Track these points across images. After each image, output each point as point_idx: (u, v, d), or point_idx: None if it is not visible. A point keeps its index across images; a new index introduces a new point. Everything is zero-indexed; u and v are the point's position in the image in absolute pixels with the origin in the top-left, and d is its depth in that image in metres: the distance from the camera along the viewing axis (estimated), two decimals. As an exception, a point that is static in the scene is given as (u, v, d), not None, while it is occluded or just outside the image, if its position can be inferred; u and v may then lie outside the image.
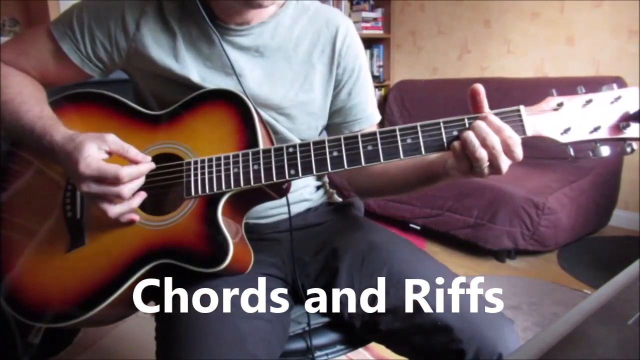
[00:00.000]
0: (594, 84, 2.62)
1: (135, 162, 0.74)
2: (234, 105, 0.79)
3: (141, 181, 0.74)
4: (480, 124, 0.66)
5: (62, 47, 0.84)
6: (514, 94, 2.92)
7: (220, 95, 0.81)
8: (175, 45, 0.84)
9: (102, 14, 0.84)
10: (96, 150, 0.72)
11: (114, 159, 0.73)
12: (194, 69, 0.85)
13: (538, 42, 3.06)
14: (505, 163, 0.66)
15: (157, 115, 0.84)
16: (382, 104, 3.74)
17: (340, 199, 1.09)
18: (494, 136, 0.65)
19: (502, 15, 3.21)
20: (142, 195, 0.75)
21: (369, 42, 3.86)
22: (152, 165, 0.76)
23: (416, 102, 3.52)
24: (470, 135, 0.66)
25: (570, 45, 2.92)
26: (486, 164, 0.66)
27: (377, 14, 3.91)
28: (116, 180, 0.70)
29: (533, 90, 2.86)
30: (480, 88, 0.69)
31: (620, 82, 2.58)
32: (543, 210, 2.23)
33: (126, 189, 0.72)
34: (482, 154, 0.65)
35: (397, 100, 3.64)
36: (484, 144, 0.65)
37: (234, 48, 0.86)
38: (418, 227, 2.74)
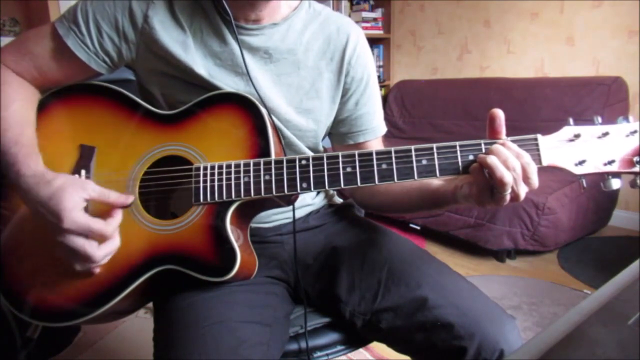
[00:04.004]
0: (594, 84, 2.62)
1: (117, 206, 0.73)
2: (247, 110, 0.77)
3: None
4: (499, 147, 0.65)
5: (67, 42, 0.82)
6: (514, 94, 2.93)
7: (233, 99, 0.79)
8: (184, 40, 0.83)
9: (108, 7, 0.82)
10: (78, 200, 0.69)
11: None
12: (201, 65, 0.83)
13: (538, 42, 3.06)
14: (523, 189, 0.65)
15: (167, 114, 0.82)
16: (382, 104, 3.74)
17: (340, 200, 1.09)
18: (514, 159, 0.64)
19: (502, 15, 3.21)
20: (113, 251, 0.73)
21: (369, 42, 3.85)
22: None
23: (416, 102, 3.52)
24: (493, 159, 0.64)
25: (570, 45, 2.92)
26: (510, 189, 0.64)
27: (377, 14, 3.91)
28: (101, 238, 0.69)
29: (533, 90, 2.86)
30: (499, 113, 0.67)
31: (620, 82, 2.58)
32: (543, 210, 2.23)
33: (101, 253, 0.70)
34: (509, 177, 0.63)
35: (397, 100, 3.65)
36: (506, 165, 0.63)
37: (243, 47, 0.84)
38: (418, 227, 2.74)
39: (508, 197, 0.65)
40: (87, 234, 0.68)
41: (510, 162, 0.63)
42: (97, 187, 0.71)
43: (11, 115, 0.77)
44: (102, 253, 0.70)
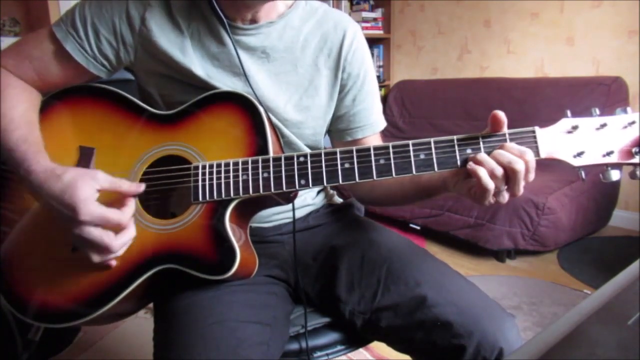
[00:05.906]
0: (594, 84, 2.62)
1: (130, 195, 0.73)
2: (245, 108, 0.78)
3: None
4: (502, 153, 0.67)
5: (65, 47, 0.82)
6: (514, 94, 2.93)
7: (231, 98, 0.79)
8: (182, 42, 0.83)
9: (105, 10, 0.82)
10: (91, 191, 0.68)
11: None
12: (199, 67, 0.83)
13: (538, 42, 3.06)
14: (522, 186, 0.67)
15: (165, 114, 0.82)
16: (382, 104, 3.74)
17: (340, 200, 1.09)
18: (499, 169, 0.66)
19: (502, 15, 3.21)
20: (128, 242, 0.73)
21: (369, 42, 3.85)
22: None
23: (416, 102, 3.52)
24: (481, 170, 0.66)
25: (570, 45, 2.92)
26: (491, 197, 0.68)
27: (377, 14, 3.91)
28: (117, 228, 0.69)
29: (533, 90, 2.86)
30: (503, 118, 0.68)
31: (620, 82, 2.58)
32: (543, 210, 2.23)
33: (119, 243, 0.70)
34: (492, 185, 0.66)
35: (397, 100, 3.65)
36: (491, 175, 0.66)
37: (240, 48, 0.84)
38: (418, 227, 2.74)
39: (492, 201, 0.68)
40: (104, 225, 0.68)
41: (496, 171, 0.66)
42: (108, 177, 0.72)
43: (20, 116, 0.78)
44: (119, 242, 0.70)
